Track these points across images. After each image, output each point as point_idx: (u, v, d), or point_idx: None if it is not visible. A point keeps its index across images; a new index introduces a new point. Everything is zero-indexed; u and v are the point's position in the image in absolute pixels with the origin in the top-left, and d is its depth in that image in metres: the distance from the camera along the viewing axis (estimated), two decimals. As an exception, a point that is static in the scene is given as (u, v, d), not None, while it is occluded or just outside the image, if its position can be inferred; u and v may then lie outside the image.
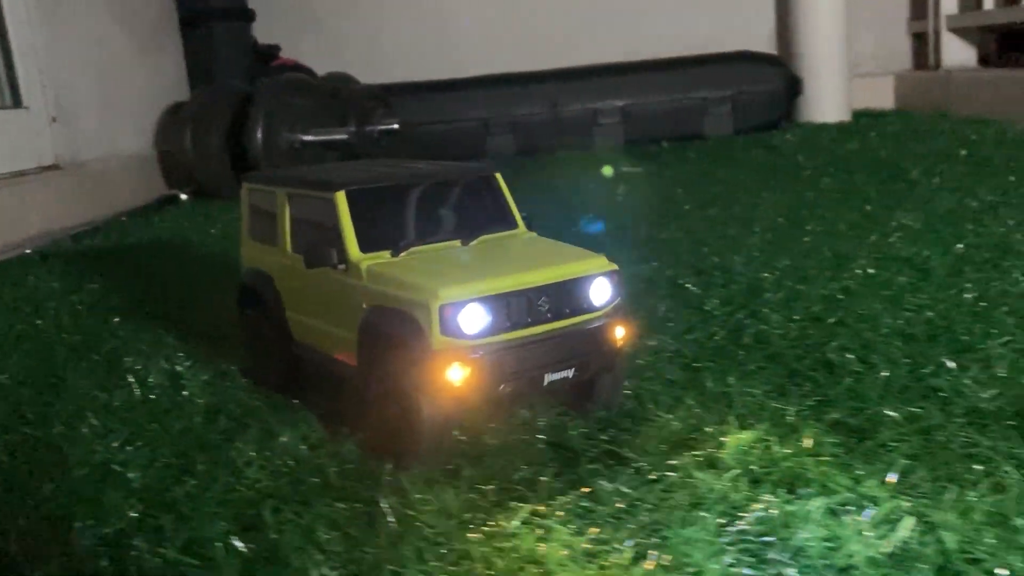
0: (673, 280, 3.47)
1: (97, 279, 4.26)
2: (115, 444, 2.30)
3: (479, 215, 2.37)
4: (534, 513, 1.81)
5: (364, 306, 2.13)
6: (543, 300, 2.02)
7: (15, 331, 3.45)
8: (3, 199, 5.28)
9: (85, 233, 5.63)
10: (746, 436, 2.02)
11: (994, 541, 1.57)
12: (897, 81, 8.47)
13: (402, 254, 2.19)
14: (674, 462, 1.93)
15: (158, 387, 2.68)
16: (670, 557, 1.60)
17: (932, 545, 1.57)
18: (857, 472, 1.84)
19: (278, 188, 2.51)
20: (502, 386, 1.98)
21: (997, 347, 2.49)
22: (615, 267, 2.14)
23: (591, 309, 2.10)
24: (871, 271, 3.34)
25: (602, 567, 1.60)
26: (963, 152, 5.80)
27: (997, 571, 1.49)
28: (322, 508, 1.89)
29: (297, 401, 2.48)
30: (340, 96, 7.14)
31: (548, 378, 2.04)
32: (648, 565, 1.59)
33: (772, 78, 7.67)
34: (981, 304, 2.88)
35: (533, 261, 2.13)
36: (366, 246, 2.18)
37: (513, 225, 2.40)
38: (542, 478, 1.94)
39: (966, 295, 2.97)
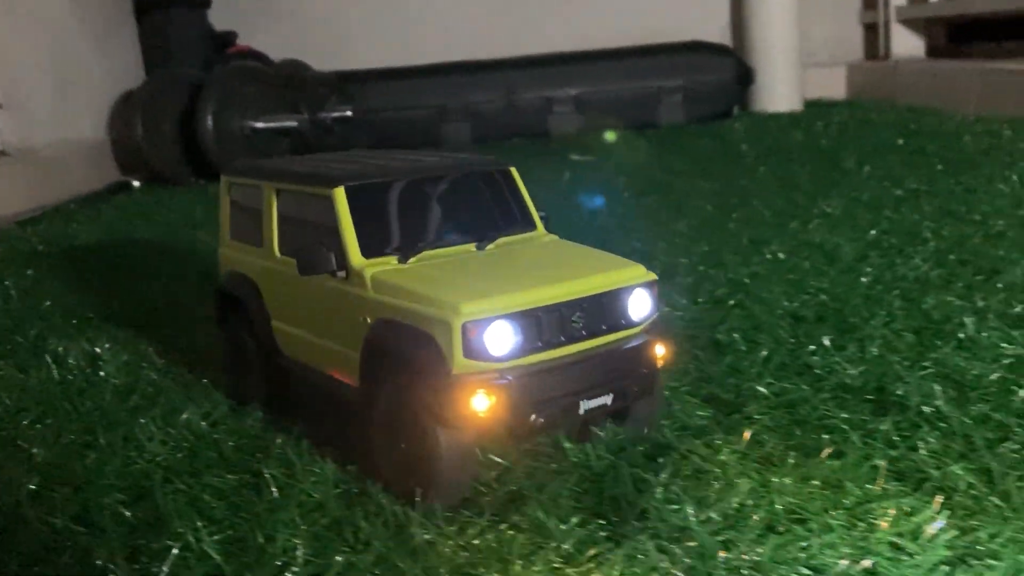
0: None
1: (36, 265, 4.32)
2: (25, 422, 2.39)
3: (495, 215, 2.14)
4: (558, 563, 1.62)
5: (368, 320, 1.90)
6: (577, 316, 1.81)
7: (-54, 315, 3.52)
8: (-53, 185, 5.31)
9: (31, 219, 5.67)
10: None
11: (821, 503, 1.70)
12: (849, 71, 8.64)
13: (411, 260, 1.95)
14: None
15: (76, 368, 2.77)
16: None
17: (765, 507, 1.70)
18: (716, 441, 1.97)
19: (264, 181, 2.23)
20: (533, 416, 1.76)
21: (879, 328, 2.63)
22: (654, 276, 1.94)
23: (629, 325, 1.89)
24: (781, 256, 3.48)
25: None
26: (900, 142, 5.96)
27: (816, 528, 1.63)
28: (212, 479, 2.00)
29: (207, 381, 2.58)
30: (293, 83, 7.20)
31: (584, 406, 1.83)
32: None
33: (723, 68, 7.81)
34: (876, 287, 3.02)
35: (564, 270, 1.90)
36: (369, 250, 1.95)
37: (532, 226, 2.18)
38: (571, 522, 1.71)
39: (863, 279, 3.11)
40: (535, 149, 7.13)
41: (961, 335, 2.50)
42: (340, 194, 1.98)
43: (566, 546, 1.65)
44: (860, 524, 1.65)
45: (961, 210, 4.02)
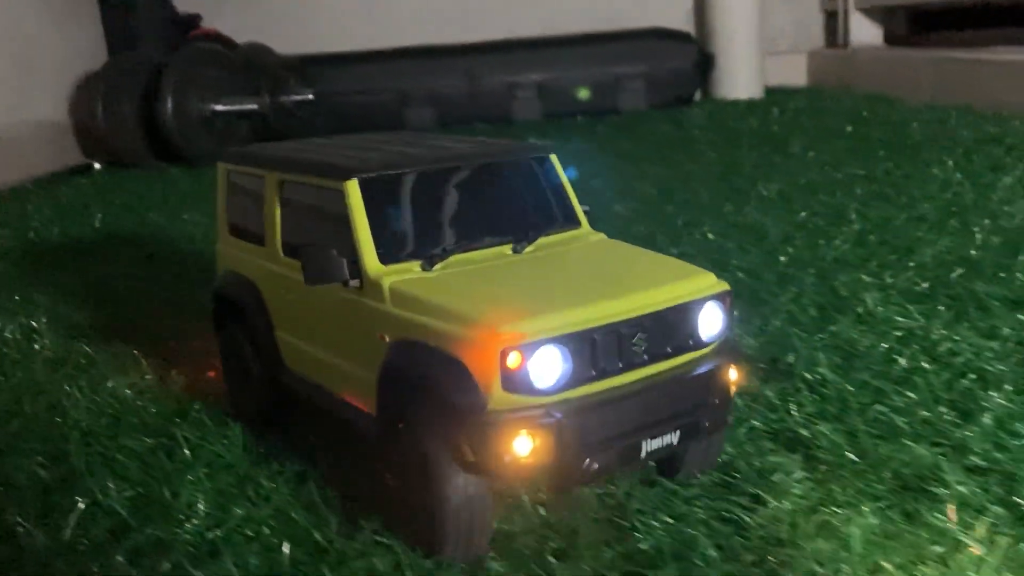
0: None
1: (-15, 243, 4.39)
2: (-45, 392, 2.48)
3: (533, 210, 1.88)
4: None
5: (387, 339, 1.63)
6: (638, 337, 1.55)
7: None
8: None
9: (-14, 200, 5.72)
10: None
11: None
12: (810, 59, 8.78)
13: (437, 267, 1.69)
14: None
15: (12, 341, 2.86)
16: None
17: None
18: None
19: (267, 171, 1.97)
20: (587, 461, 1.50)
21: (786, 303, 2.76)
22: (726, 287, 1.68)
23: (698, 346, 1.63)
24: (711, 236, 3.61)
25: None
26: (849, 128, 6.10)
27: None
28: (128, 441, 2.10)
29: (138, 352, 2.68)
30: (254, 67, 7.25)
31: (647, 446, 1.56)
32: None
33: (684, 55, 7.92)
34: (793, 266, 3.15)
35: (621, 280, 1.65)
36: (388, 255, 1.68)
37: (575, 223, 1.91)
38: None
39: (782, 258, 3.24)
40: (497, 134, 7.23)
41: (860, 310, 2.63)
42: (354, 187, 1.70)
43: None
44: (725, 478, 1.78)
45: (892, 193, 4.16)
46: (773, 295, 2.84)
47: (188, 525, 1.74)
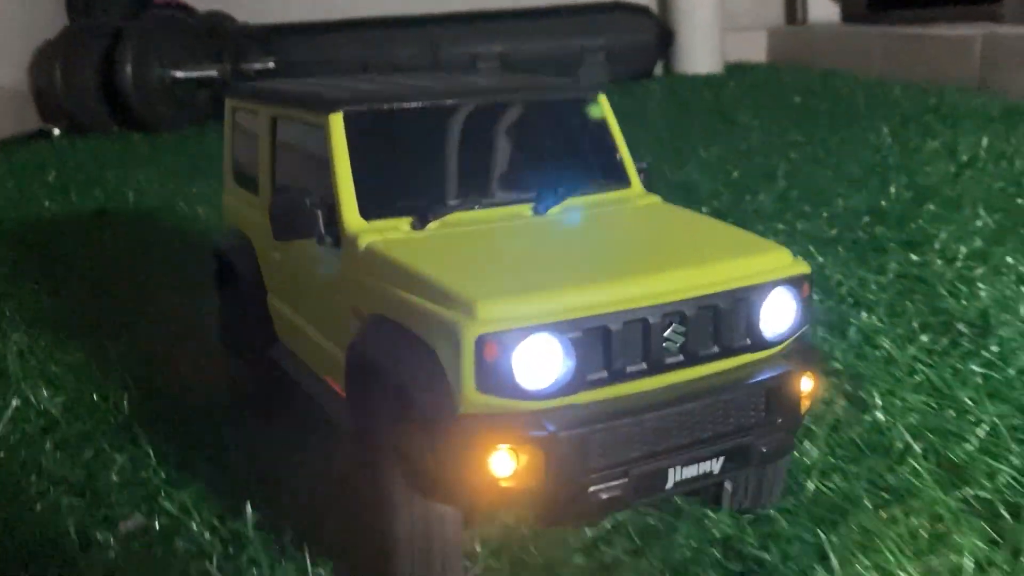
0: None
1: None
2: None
3: (568, 163, 1.61)
4: None
5: (363, 312, 1.37)
6: (673, 330, 1.26)
7: None
8: None
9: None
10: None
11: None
12: (769, 36, 8.98)
13: (432, 225, 1.43)
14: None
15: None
16: None
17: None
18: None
19: (260, 104, 1.74)
20: (592, 488, 1.21)
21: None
22: (805, 268, 1.37)
23: (760, 345, 1.33)
24: (643, 192, 3.80)
25: None
26: (797, 100, 6.32)
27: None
28: (64, 356, 2.27)
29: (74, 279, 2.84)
30: (215, 34, 7.36)
31: (675, 475, 1.26)
32: None
33: (644, 29, 8.11)
34: (714, 215, 3.35)
35: (660, 254, 1.37)
36: (373, 207, 1.42)
37: (623, 181, 1.63)
38: None
39: (705, 208, 3.44)
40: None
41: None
42: (337, 122, 1.44)
43: None
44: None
45: (823, 156, 4.37)
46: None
47: (113, 420, 1.91)
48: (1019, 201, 3.19)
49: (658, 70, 8.49)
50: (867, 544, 1.43)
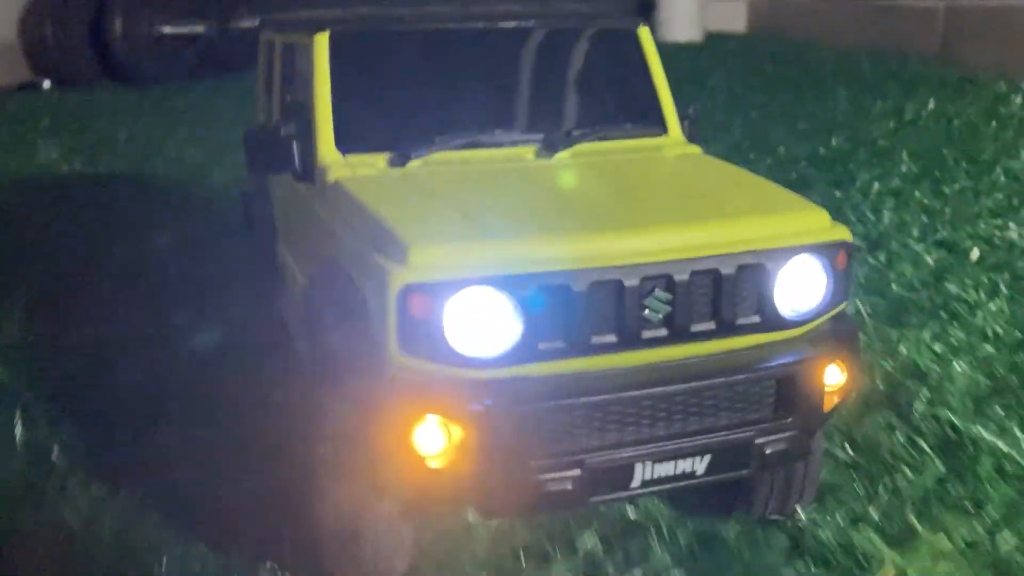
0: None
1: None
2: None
3: (589, 103, 1.46)
4: None
5: (323, 256, 1.30)
6: (655, 296, 1.09)
7: None
8: None
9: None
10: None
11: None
12: (750, 6, 9.29)
13: (413, 163, 1.31)
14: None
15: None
16: None
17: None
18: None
19: (277, 34, 1.66)
20: (536, 477, 1.08)
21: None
22: (845, 235, 1.20)
23: (776, 323, 1.16)
24: (604, 141, 4.13)
25: None
26: (768, 68, 6.64)
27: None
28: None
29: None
30: (203, -8, 7.61)
31: (643, 473, 1.11)
32: None
33: (625, -3, 8.40)
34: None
35: (665, 207, 1.23)
36: (352, 139, 1.33)
37: (659, 127, 1.47)
38: None
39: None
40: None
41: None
42: (321, 42, 1.35)
43: None
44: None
45: (779, 115, 4.70)
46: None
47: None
48: (944, 151, 3.53)
49: (638, 38, 8.77)
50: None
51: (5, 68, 7.52)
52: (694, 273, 1.11)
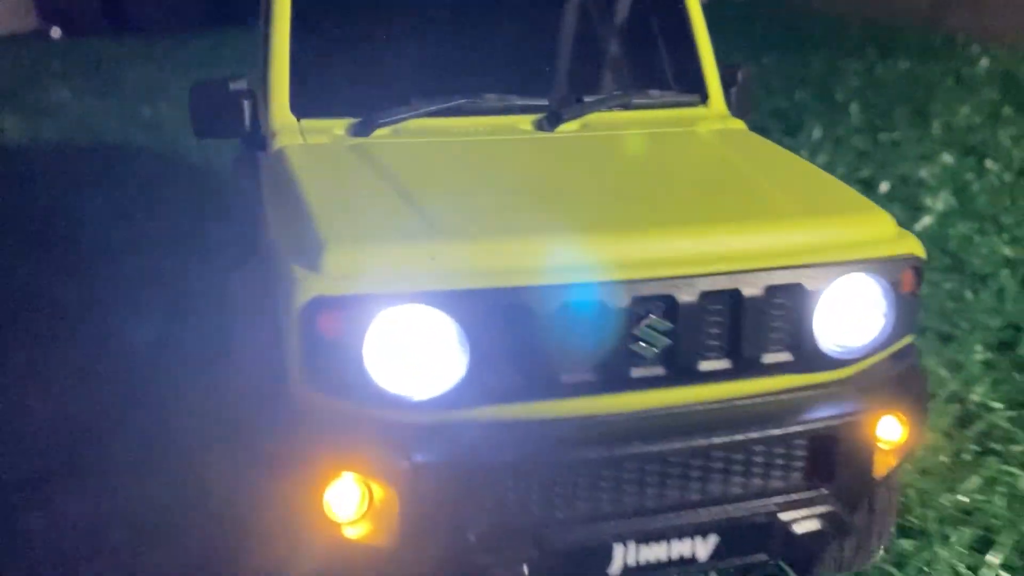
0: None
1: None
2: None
3: (609, 65, 1.27)
4: None
5: (256, 246, 1.13)
6: (648, 325, 0.87)
7: None
8: None
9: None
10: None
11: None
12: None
13: (379, 132, 1.11)
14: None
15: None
16: None
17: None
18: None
19: None
20: (475, 560, 0.86)
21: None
22: (914, 247, 0.98)
23: (814, 364, 0.93)
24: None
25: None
26: (759, 30, 6.93)
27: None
28: None
29: None
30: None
31: (626, 557, 0.88)
32: None
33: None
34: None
35: (673, 202, 1.00)
36: (312, 101, 1.14)
37: (696, 95, 1.27)
38: None
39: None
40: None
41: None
42: None
43: None
44: None
45: (756, 74, 5.01)
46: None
47: None
48: (896, 107, 3.86)
49: None
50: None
51: (18, 17, 7.87)
52: (705, 294, 0.86)
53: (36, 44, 7.12)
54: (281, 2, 1.15)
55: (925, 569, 1.15)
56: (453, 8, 1.22)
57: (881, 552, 1.14)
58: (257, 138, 1.16)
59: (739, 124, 1.30)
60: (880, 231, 0.97)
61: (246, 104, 1.14)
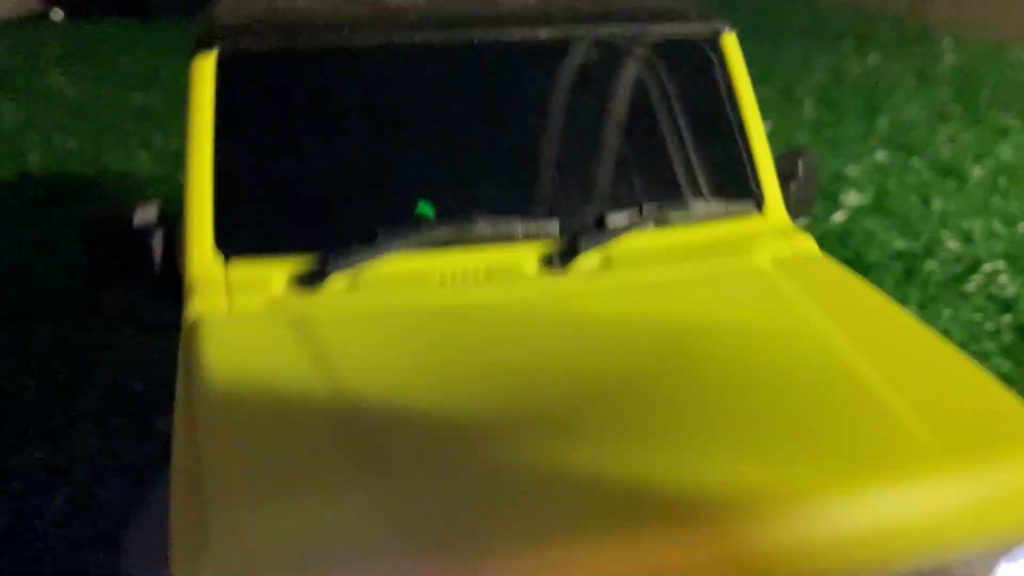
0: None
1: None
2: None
3: (635, 165, 1.03)
4: None
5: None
6: None
7: None
8: None
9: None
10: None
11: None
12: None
13: (334, 281, 0.91)
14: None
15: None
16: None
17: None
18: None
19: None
20: None
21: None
22: None
23: None
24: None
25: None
26: (745, 21, 7.13)
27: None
28: None
29: None
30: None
31: None
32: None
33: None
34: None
35: (759, 436, 0.77)
36: (246, 234, 0.92)
37: (746, 200, 1.10)
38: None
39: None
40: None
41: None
42: (202, 69, 0.93)
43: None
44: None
45: (752, 60, 5.27)
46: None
47: None
48: (851, 101, 4.10)
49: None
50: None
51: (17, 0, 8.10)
52: None
53: (36, 27, 7.36)
54: (201, 101, 0.88)
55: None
56: (434, 104, 0.95)
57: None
58: (169, 287, 0.89)
59: (807, 242, 1.03)
60: None
61: (154, 241, 0.87)
